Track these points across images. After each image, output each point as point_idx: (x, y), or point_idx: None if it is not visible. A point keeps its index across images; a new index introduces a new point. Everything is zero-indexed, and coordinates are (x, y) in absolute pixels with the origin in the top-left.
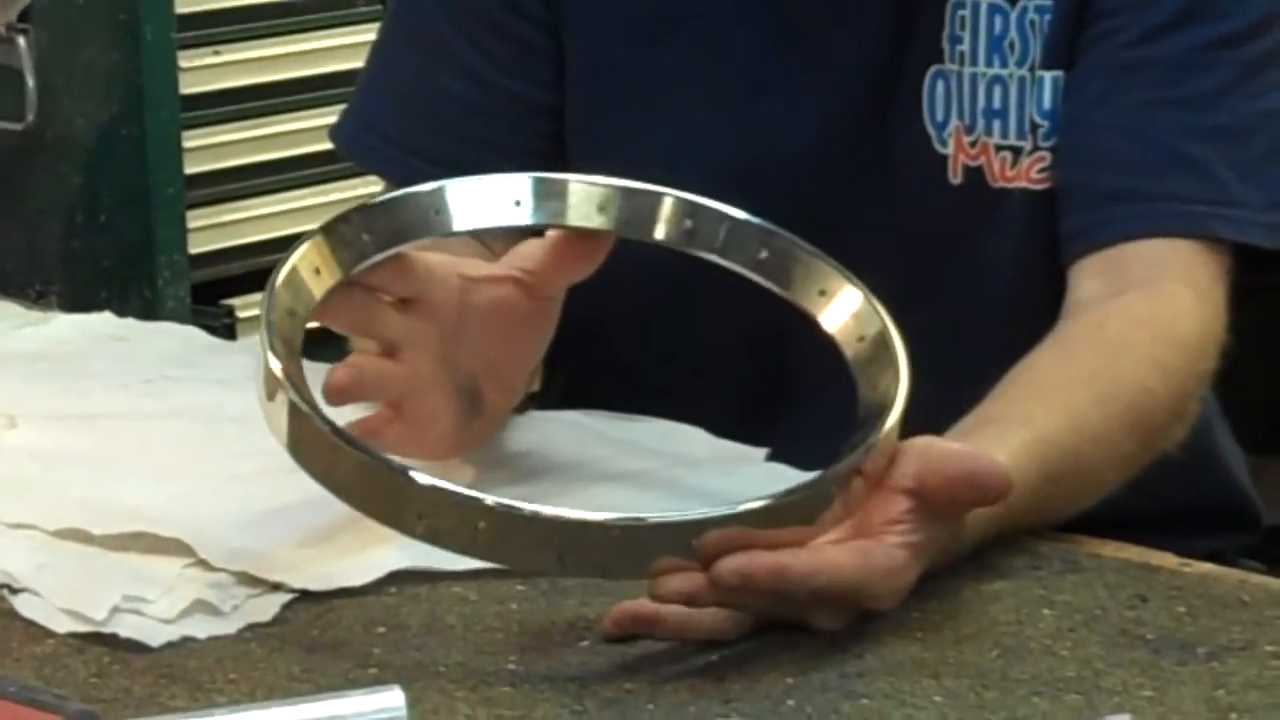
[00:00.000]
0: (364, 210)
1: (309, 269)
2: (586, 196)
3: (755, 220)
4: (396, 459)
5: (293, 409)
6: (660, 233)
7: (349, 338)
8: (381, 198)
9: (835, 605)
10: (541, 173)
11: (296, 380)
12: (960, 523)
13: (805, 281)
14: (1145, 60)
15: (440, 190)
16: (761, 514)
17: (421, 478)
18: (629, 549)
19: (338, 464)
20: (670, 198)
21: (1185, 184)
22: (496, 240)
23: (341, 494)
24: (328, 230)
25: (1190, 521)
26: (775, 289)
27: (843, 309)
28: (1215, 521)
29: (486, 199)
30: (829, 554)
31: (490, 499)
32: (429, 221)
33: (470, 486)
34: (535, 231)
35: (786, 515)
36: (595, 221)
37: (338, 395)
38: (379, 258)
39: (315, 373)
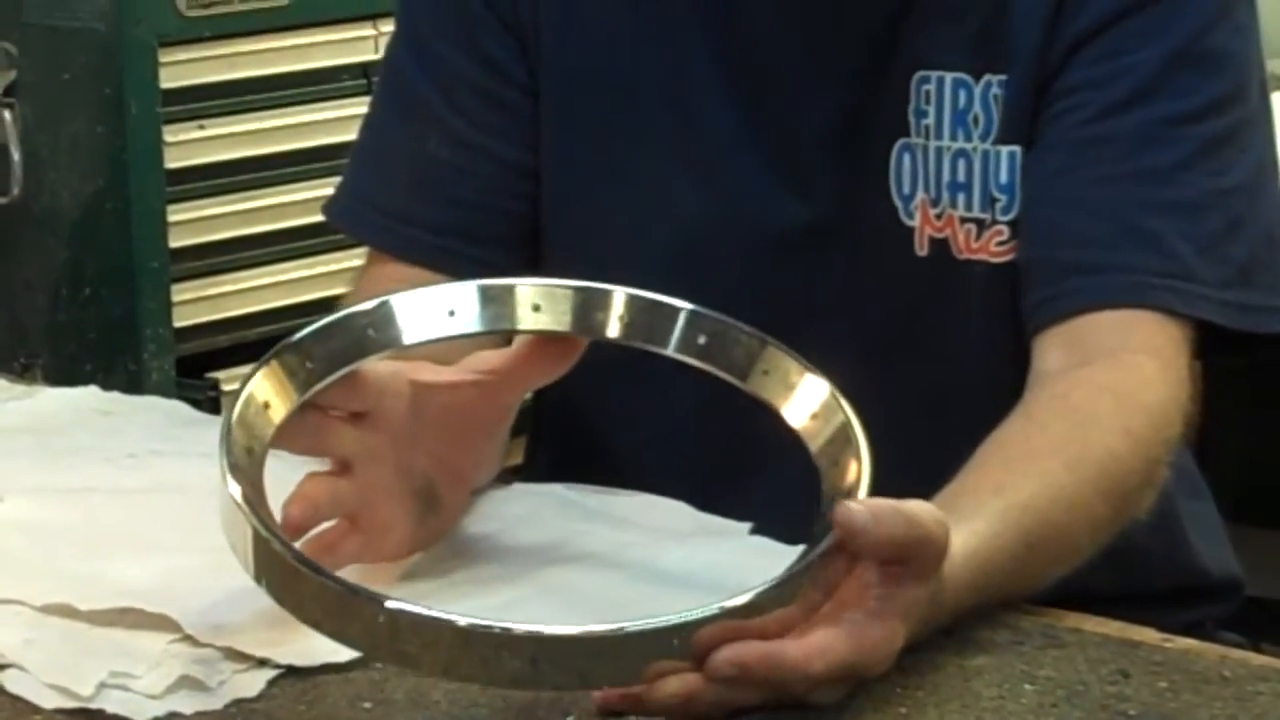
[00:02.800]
0: (303, 339)
1: (260, 403)
2: (520, 299)
3: (692, 307)
4: (362, 585)
5: (256, 538)
6: (597, 328)
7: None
8: (315, 324)
9: (831, 683)
10: (479, 280)
11: (259, 509)
12: (936, 583)
13: (748, 364)
14: (1103, 136)
15: (374, 309)
16: (743, 610)
17: (392, 603)
18: (609, 658)
19: (302, 590)
20: (605, 292)
21: (1140, 256)
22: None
23: (311, 622)
24: (271, 364)
25: (1168, 596)
26: (719, 373)
27: (788, 387)
28: (1194, 594)
29: (424, 312)
30: (821, 638)
31: (462, 620)
32: (365, 342)
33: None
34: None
35: (767, 608)
36: (534, 322)
37: (295, 531)
38: (321, 385)
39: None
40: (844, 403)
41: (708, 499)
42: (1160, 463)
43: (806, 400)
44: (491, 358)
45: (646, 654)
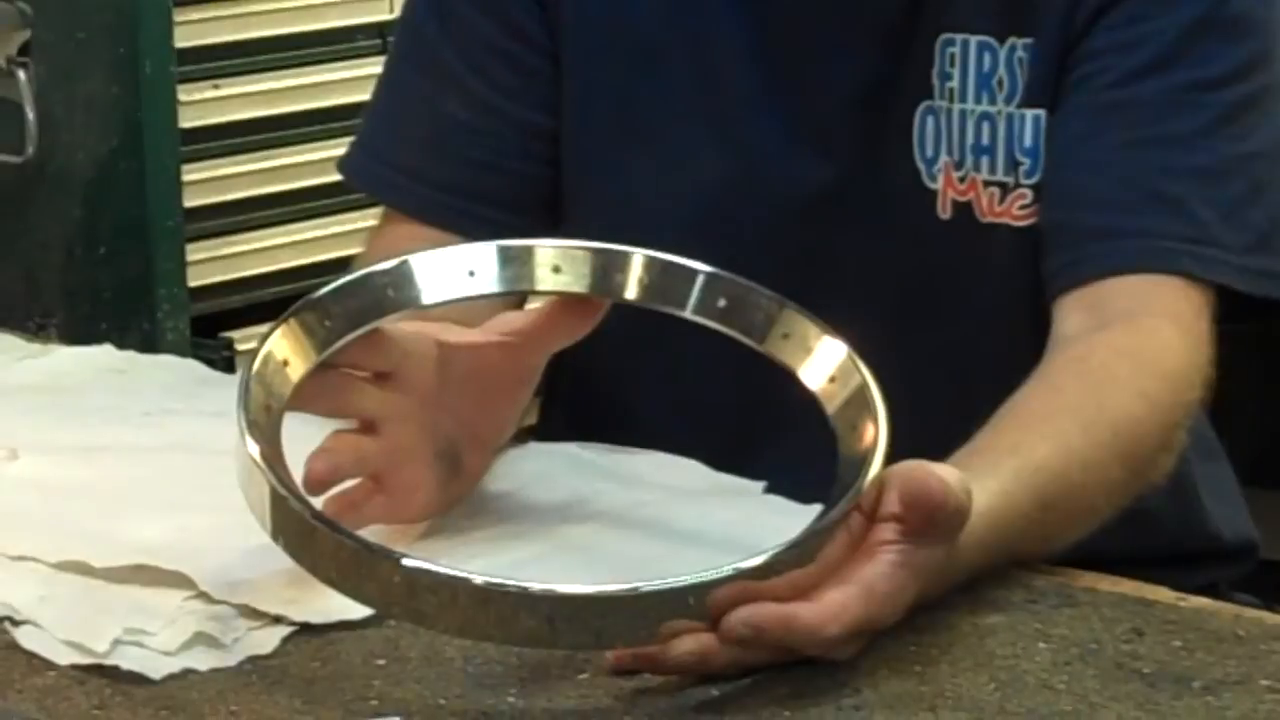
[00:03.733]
0: (322, 298)
1: (278, 362)
2: (540, 260)
3: (712, 270)
4: (377, 542)
5: (274, 496)
6: (617, 290)
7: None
8: (338, 281)
9: (843, 642)
10: (499, 240)
11: (277, 467)
12: (953, 544)
13: (767, 327)
14: (1127, 101)
15: (394, 269)
16: (758, 571)
17: (408, 561)
18: (624, 618)
19: (319, 548)
20: (625, 254)
21: (1162, 222)
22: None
23: (328, 580)
24: (290, 322)
25: (1181, 558)
26: (738, 336)
27: (808, 350)
28: (1207, 557)
29: (444, 272)
30: (835, 599)
31: (478, 579)
32: (384, 301)
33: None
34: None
35: (784, 568)
36: (554, 283)
37: (318, 486)
38: (340, 343)
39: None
40: (862, 365)
41: (723, 460)
42: (1178, 427)
43: (824, 363)
44: (515, 319)
45: (662, 614)
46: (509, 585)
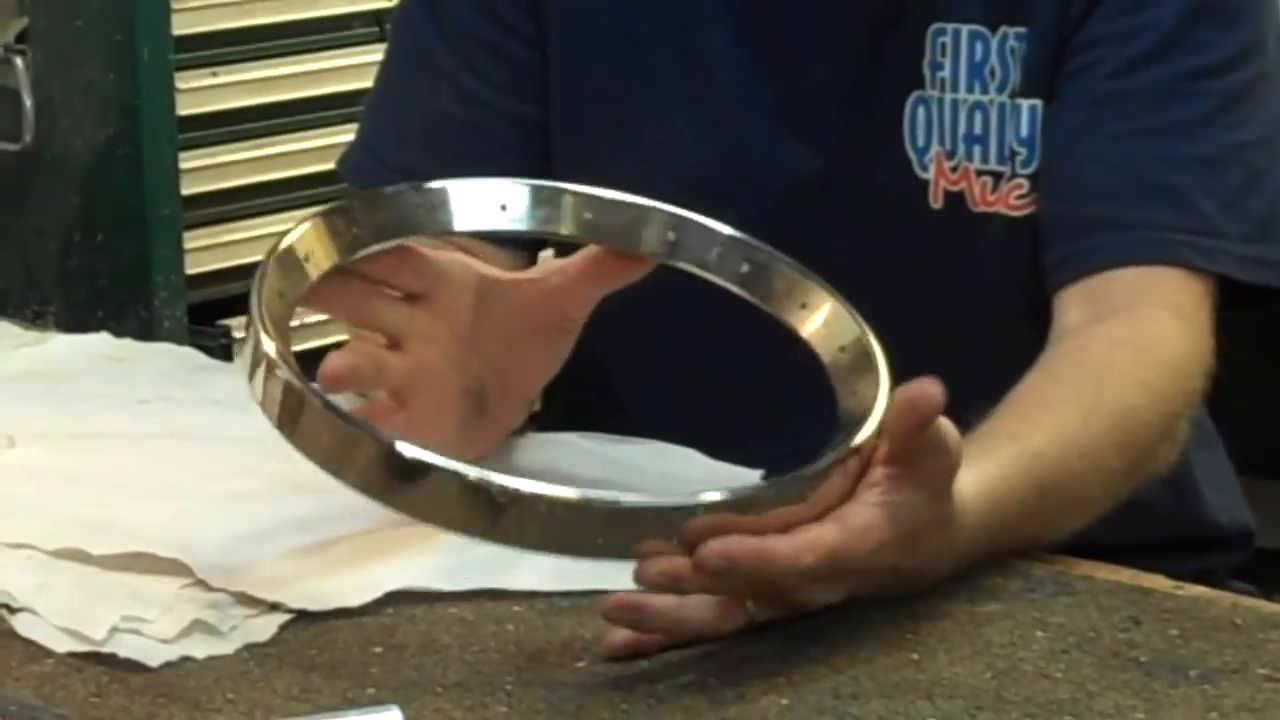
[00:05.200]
0: (357, 203)
1: (300, 254)
2: (572, 206)
3: (738, 235)
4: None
5: (286, 386)
6: (644, 243)
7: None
8: (371, 191)
9: (824, 579)
10: (537, 180)
11: (286, 356)
12: (946, 505)
13: (786, 296)
14: (1125, 91)
15: (429, 190)
16: (742, 502)
17: (407, 448)
18: (603, 530)
19: (326, 435)
20: (655, 210)
21: (1162, 213)
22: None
23: (329, 467)
24: (321, 218)
25: (1178, 546)
26: (756, 302)
27: (822, 320)
28: (1203, 545)
29: (477, 202)
30: (810, 531)
31: (474, 472)
32: (415, 220)
33: None
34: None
35: (767, 505)
36: (582, 231)
37: (332, 382)
38: (367, 251)
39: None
40: (873, 341)
41: (721, 450)
42: (1179, 417)
43: (837, 334)
44: (557, 263)
45: (642, 530)
46: (502, 482)
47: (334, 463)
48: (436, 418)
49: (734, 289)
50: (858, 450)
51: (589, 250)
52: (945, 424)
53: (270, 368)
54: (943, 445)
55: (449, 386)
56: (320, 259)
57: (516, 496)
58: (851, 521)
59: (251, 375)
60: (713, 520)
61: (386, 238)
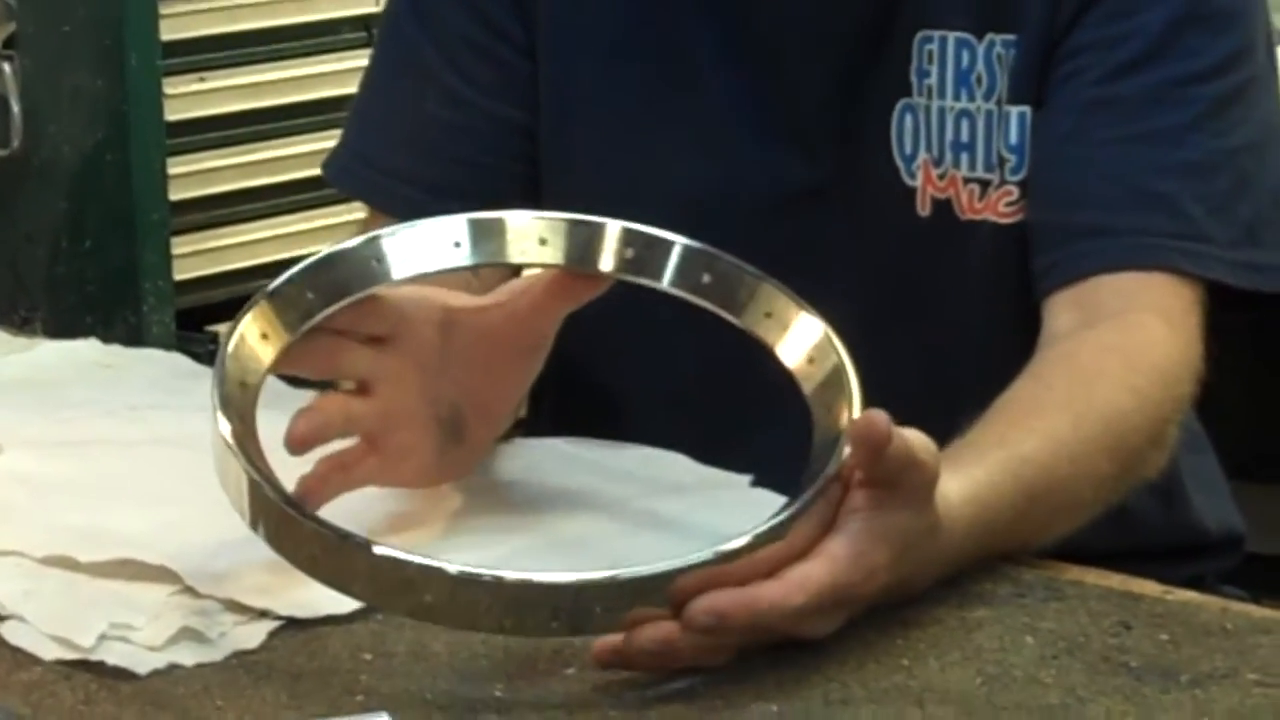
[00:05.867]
0: (306, 269)
1: (256, 336)
2: (525, 232)
3: (697, 245)
4: (353, 530)
5: (251, 485)
6: (602, 263)
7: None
8: (319, 255)
9: (819, 613)
10: (478, 213)
11: (250, 449)
12: (932, 518)
13: (750, 304)
14: (1113, 98)
15: (378, 239)
16: (735, 555)
17: (379, 549)
18: (600, 605)
19: (293, 535)
20: (610, 227)
21: (1152, 219)
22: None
23: (301, 565)
24: (272, 294)
25: (1167, 552)
26: (720, 313)
27: (789, 330)
28: (1193, 550)
29: (426, 244)
30: (797, 571)
31: (452, 567)
32: (370, 272)
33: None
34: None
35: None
36: (538, 256)
37: (299, 445)
38: (331, 309)
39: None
40: (839, 346)
41: (709, 453)
42: (1169, 422)
43: (802, 342)
44: (522, 284)
45: (639, 600)
46: (483, 573)
47: (332, 579)
48: (411, 455)
49: (696, 300)
50: (836, 476)
51: (550, 272)
52: (917, 437)
53: (233, 461)
54: (917, 460)
55: (421, 422)
56: (277, 335)
57: (494, 586)
58: (840, 553)
59: (219, 469)
60: (699, 576)
61: (341, 297)
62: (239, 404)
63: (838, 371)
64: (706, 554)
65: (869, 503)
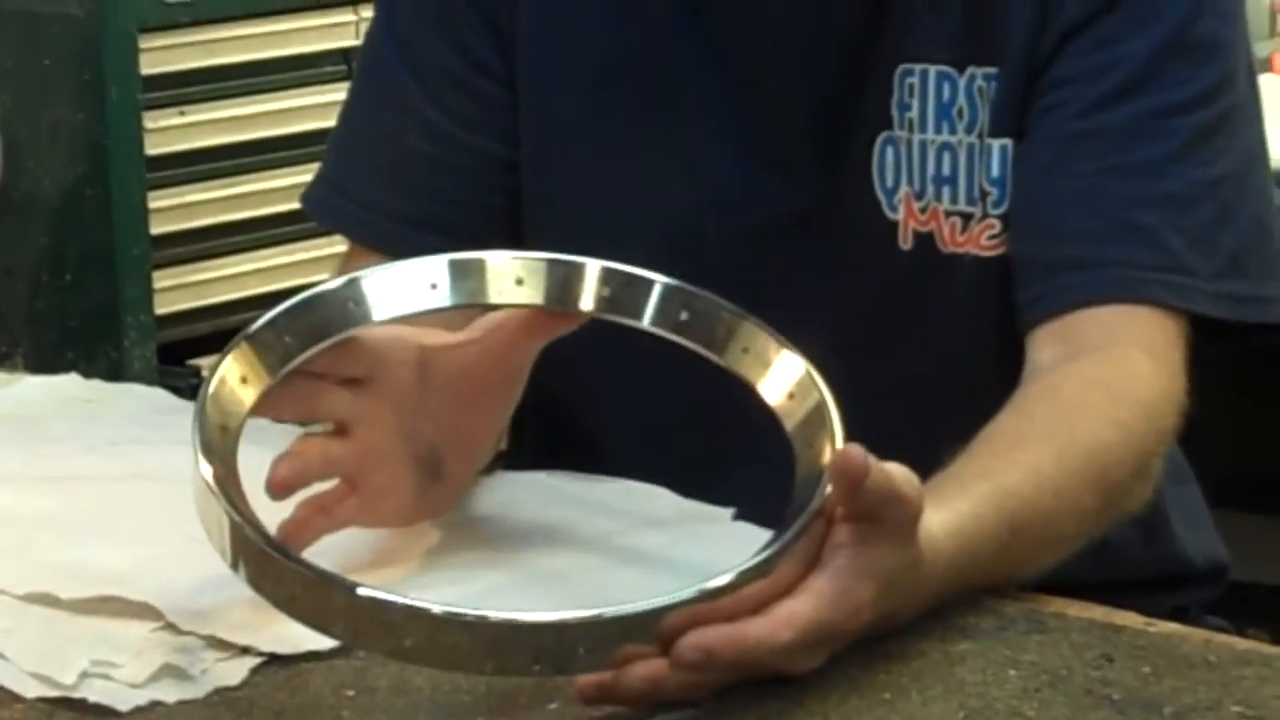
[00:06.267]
0: (284, 312)
1: (236, 379)
2: (503, 272)
3: (675, 283)
4: (332, 568)
5: (233, 526)
6: (581, 302)
7: None
8: (297, 298)
9: (805, 649)
10: (455, 253)
11: (232, 492)
12: (915, 552)
13: (730, 341)
14: (1094, 130)
15: (356, 281)
16: (720, 593)
17: (364, 590)
18: (586, 644)
19: (273, 575)
20: (588, 266)
21: (1133, 251)
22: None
23: (281, 606)
24: (250, 338)
25: (1150, 584)
26: (701, 350)
27: (770, 368)
28: (1176, 581)
29: (403, 285)
30: (784, 607)
31: (436, 608)
32: (348, 314)
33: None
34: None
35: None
36: (515, 296)
37: (281, 491)
38: (309, 353)
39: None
40: (820, 381)
41: (691, 486)
42: (1153, 455)
43: (783, 378)
44: (496, 318)
45: (625, 638)
46: (467, 614)
47: (300, 611)
48: (390, 495)
49: (674, 338)
50: (820, 512)
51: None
52: (899, 471)
53: (215, 505)
54: (900, 494)
55: (399, 461)
56: (257, 378)
57: (480, 626)
58: (826, 590)
59: (200, 512)
60: (686, 614)
61: (319, 339)
62: (220, 448)
63: (819, 408)
64: (691, 592)
65: (853, 538)
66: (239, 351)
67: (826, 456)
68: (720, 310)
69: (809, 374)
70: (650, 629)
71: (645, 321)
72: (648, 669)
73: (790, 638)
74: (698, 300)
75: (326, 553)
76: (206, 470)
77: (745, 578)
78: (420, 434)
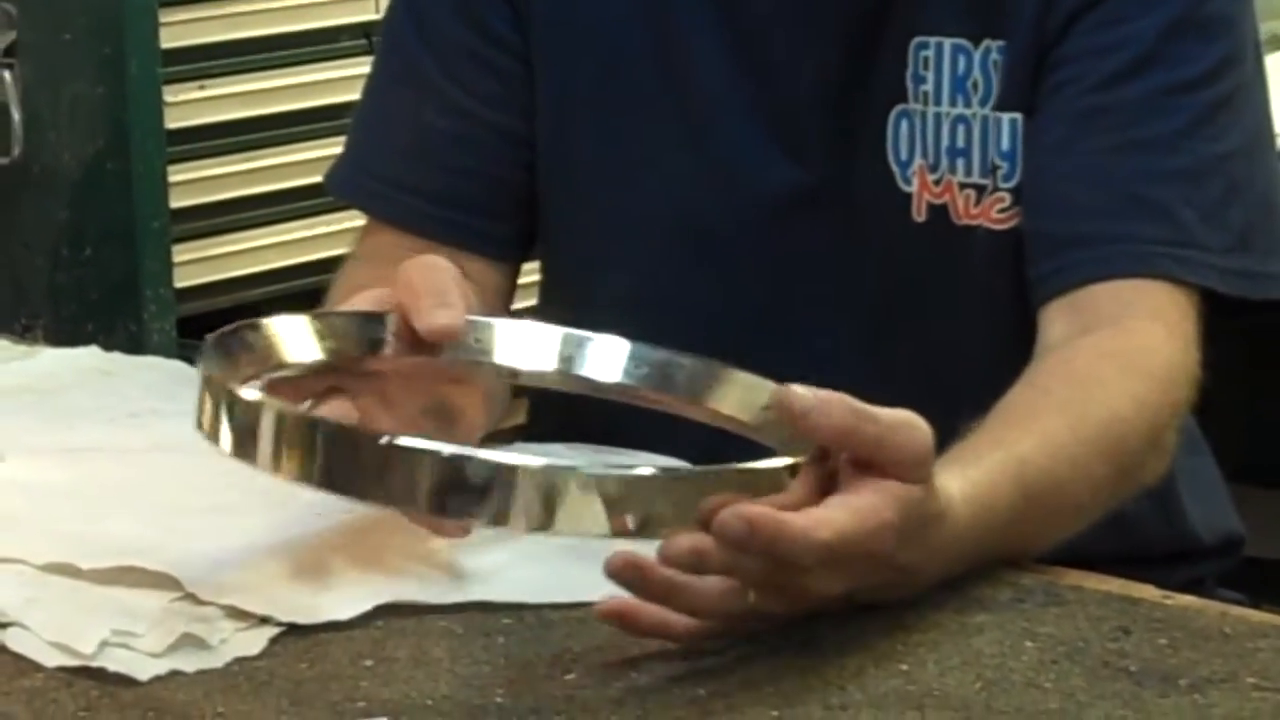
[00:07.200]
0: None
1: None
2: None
3: (630, 343)
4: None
5: (279, 415)
6: (536, 364)
7: None
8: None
9: (830, 564)
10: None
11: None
12: (933, 494)
13: (691, 383)
14: (1104, 106)
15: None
16: (746, 473)
17: (401, 439)
18: (627, 502)
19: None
20: (544, 331)
21: (1145, 226)
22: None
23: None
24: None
25: (1163, 559)
26: (665, 401)
27: (737, 390)
28: (1191, 555)
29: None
30: (820, 509)
31: (455, 449)
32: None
33: None
34: None
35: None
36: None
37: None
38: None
39: None
40: (767, 381)
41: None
42: (1167, 427)
43: (734, 389)
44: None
45: (665, 498)
46: (498, 460)
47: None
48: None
49: (640, 391)
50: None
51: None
52: (891, 412)
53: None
54: (905, 421)
55: (407, 414)
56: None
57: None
58: (857, 503)
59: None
60: (727, 498)
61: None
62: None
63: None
64: (730, 466)
65: (872, 472)
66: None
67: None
68: (678, 359)
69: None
70: (723, 486)
71: (608, 376)
72: (691, 539)
73: (827, 536)
74: (656, 354)
75: (352, 528)
76: (252, 394)
77: (778, 470)
78: (415, 393)
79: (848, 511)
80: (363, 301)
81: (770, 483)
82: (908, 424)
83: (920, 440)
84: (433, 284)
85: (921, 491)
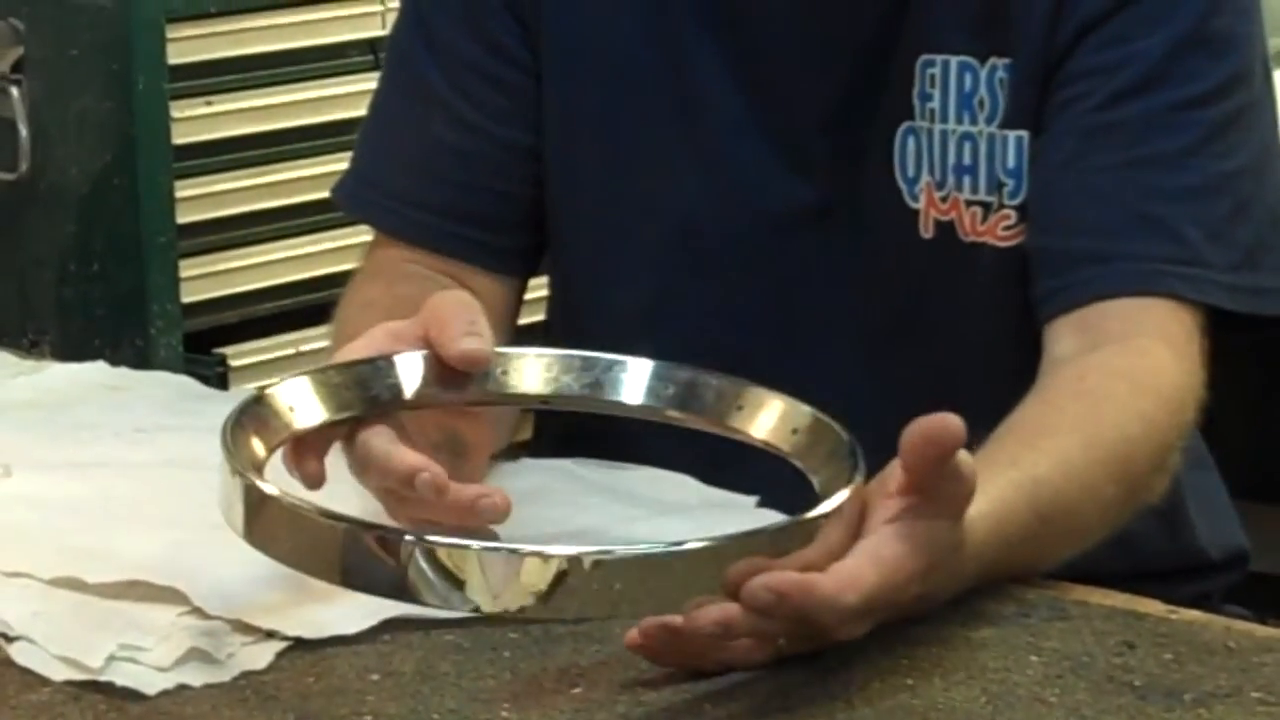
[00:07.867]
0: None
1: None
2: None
3: (652, 363)
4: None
5: (291, 507)
6: (562, 390)
7: None
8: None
9: (861, 615)
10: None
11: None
12: (958, 522)
13: (719, 403)
14: (1111, 124)
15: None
16: (774, 533)
17: (410, 533)
18: (651, 583)
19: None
20: (566, 359)
21: (1151, 244)
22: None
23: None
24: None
25: (1169, 575)
26: (692, 420)
27: (766, 413)
28: (1197, 570)
29: (401, 381)
30: (848, 568)
31: (477, 543)
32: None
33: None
34: None
35: (796, 538)
36: (496, 392)
37: (313, 481)
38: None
39: None
40: (824, 416)
41: (713, 474)
42: (1173, 448)
43: (764, 412)
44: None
45: (688, 577)
46: (517, 547)
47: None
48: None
49: (668, 411)
50: (864, 483)
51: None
52: (961, 451)
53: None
54: (959, 472)
55: (422, 449)
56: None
57: (523, 560)
58: (887, 556)
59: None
60: (753, 563)
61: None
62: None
63: (826, 426)
64: (762, 527)
65: (906, 509)
66: (298, 383)
67: (849, 480)
68: (705, 377)
69: (810, 409)
70: (714, 568)
71: (637, 399)
72: (719, 611)
73: (854, 601)
74: (681, 373)
75: None
76: (269, 486)
77: (804, 525)
78: (429, 427)
79: (876, 567)
80: (381, 334)
81: (800, 538)
82: (966, 462)
83: (971, 482)
84: (460, 315)
85: (950, 528)
